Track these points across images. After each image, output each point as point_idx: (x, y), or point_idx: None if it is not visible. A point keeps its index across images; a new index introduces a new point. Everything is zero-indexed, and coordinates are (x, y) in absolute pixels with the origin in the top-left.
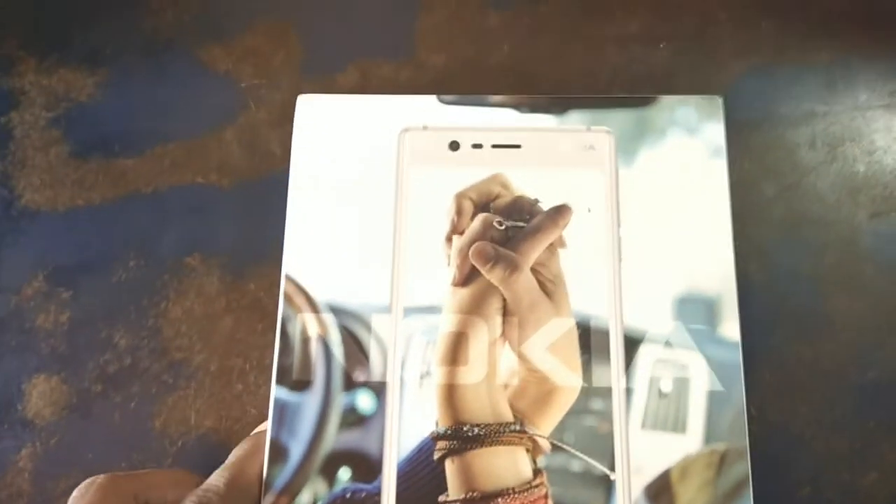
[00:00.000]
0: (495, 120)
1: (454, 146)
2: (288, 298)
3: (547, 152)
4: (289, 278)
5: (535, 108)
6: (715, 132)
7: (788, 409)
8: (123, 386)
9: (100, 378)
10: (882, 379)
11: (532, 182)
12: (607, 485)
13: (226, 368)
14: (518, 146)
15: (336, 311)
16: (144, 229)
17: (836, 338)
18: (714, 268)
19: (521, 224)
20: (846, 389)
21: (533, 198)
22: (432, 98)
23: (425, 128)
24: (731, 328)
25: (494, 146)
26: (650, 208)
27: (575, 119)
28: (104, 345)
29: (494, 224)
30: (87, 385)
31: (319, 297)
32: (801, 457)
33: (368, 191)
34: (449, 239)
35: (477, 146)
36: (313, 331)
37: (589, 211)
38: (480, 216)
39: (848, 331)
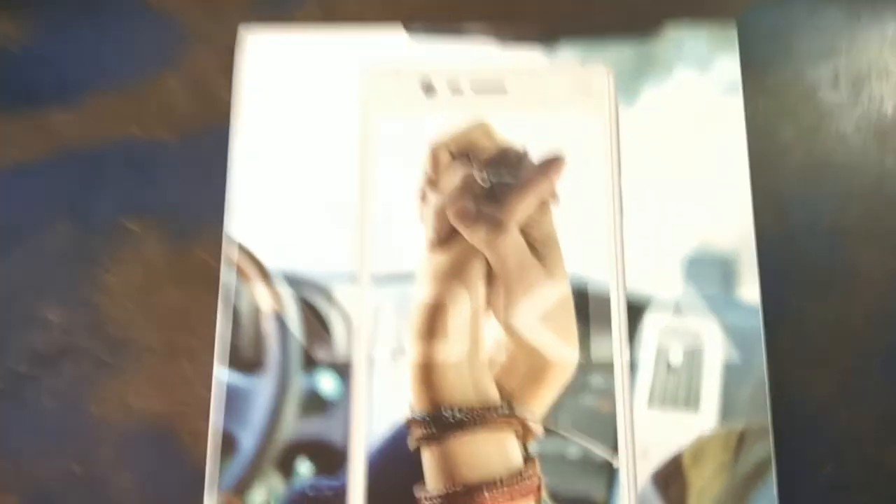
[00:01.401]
0: (475, 56)
1: (428, 89)
2: (234, 266)
3: (536, 95)
4: (235, 243)
5: (520, 39)
6: (728, 65)
7: (808, 379)
8: (55, 367)
9: (29, 358)
10: None
11: (519, 129)
12: (609, 472)
13: (171, 346)
14: (503, 88)
15: (292, 280)
16: (77, 190)
17: (860, 298)
18: (730, 222)
19: (507, 178)
20: (872, 354)
21: (520, 148)
22: (400, 30)
23: (394, 69)
24: (749, 290)
25: (475, 89)
26: (655, 156)
27: (567, 54)
28: (33, 321)
29: (477, 178)
30: (14, 366)
31: (272, 264)
32: (821, 431)
33: (329, 142)
34: (424, 196)
35: (455, 89)
36: (265, 304)
37: (585, 161)
38: (460, 169)
39: (874, 290)
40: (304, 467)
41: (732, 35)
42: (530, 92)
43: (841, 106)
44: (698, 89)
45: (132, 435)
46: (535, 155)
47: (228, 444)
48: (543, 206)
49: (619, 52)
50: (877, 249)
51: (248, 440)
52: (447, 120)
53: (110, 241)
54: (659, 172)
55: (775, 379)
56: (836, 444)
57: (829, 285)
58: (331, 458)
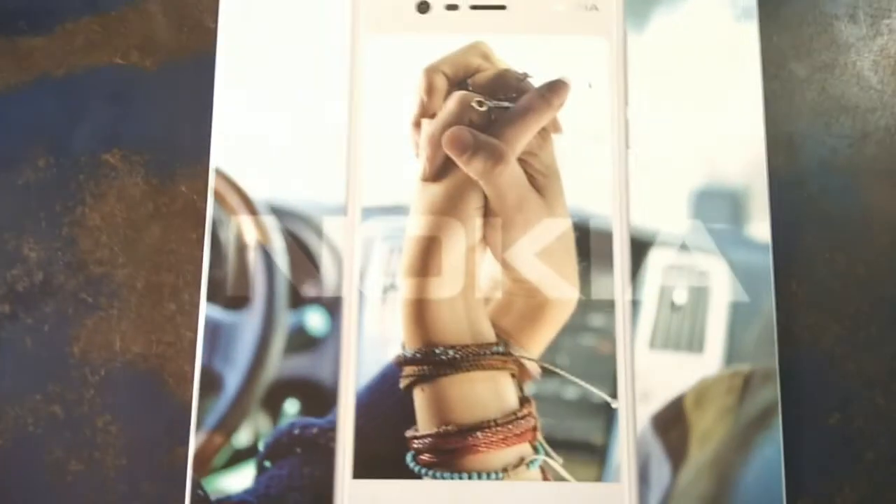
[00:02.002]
0: None
1: (423, 7)
2: (219, 198)
3: (538, 14)
4: (220, 173)
5: None
6: None
7: (817, 325)
8: (35, 305)
9: (8, 297)
10: None
11: (520, 52)
12: (608, 414)
13: (154, 285)
14: (502, 6)
15: (279, 212)
16: (55, 121)
17: (873, 242)
18: (740, 155)
19: (506, 104)
20: (883, 302)
21: (521, 71)
22: None
23: None
24: (759, 227)
25: (473, 7)
26: (664, 83)
27: None
28: (12, 258)
29: (473, 104)
30: None
31: (257, 195)
32: (829, 379)
33: (316, 65)
34: (417, 123)
35: (451, 7)
36: (251, 237)
37: (590, 87)
38: (456, 95)
39: (888, 234)
40: (292, 406)
41: None
42: (533, 11)
43: (858, 40)
44: (712, 13)
45: (115, 376)
46: (537, 79)
47: (213, 383)
48: (544, 135)
49: None
50: (891, 192)
51: (233, 378)
52: (442, 41)
53: (89, 176)
54: (667, 101)
55: (782, 323)
56: (843, 391)
57: (842, 226)
58: (319, 397)
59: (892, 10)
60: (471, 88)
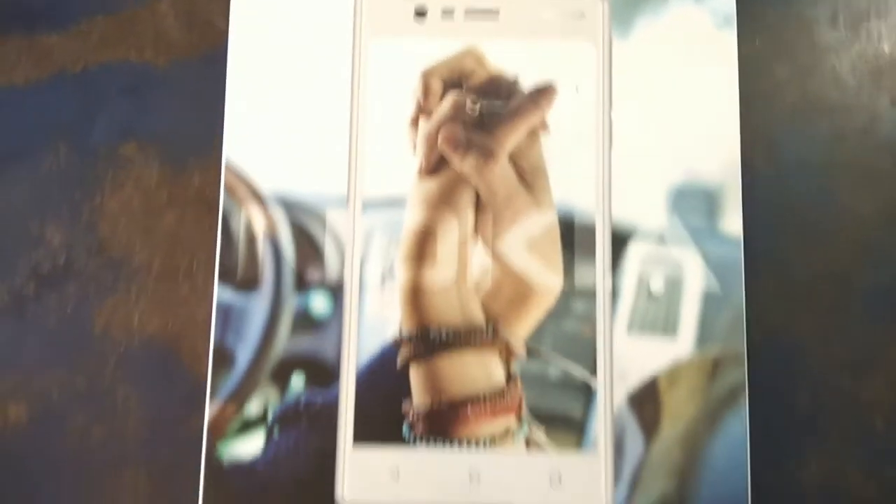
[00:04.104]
0: None
1: (420, 13)
2: (229, 189)
3: (529, 21)
4: (230, 166)
5: None
6: None
7: (788, 314)
8: (59, 286)
9: (32, 278)
10: (894, 282)
11: (511, 56)
12: (587, 392)
13: (170, 268)
14: (495, 13)
15: (285, 203)
16: (74, 113)
17: (845, 237)
18: (716, 155)
19: (497, 105)
20: (853, 293)
21: (512, 75)
22: None
23: None
24: (732, 223)
25: (468, 13)
26: (647, 87)
27: None
28: (35, 242)
29: (467, 105)
30: (18, 284)
31: (266, 187)
32: (799, 365)
33: (321, 66)
34: (415, 122)
35: (447, 13)
36: (259, 226)
37: (577, 90)
38: (451, 96)
39: (859, 229)
40: (298, 380)
41: None
42: (524, 18)
43: (838, 44)
44: (693, 21)
45: (134, 352)
46: (527, 83)
47: (226, 358)
48: (533, 135)
49: None
50: (863, 190)
51: (243, 354)
52: (438, 45)
53: (107, 166)
54: (650, 104)
55: (755, 311)
56: (811, 376)
57: (816, 224)
58: (323, 372)
59: (870, 15)
60: (465, 90)
